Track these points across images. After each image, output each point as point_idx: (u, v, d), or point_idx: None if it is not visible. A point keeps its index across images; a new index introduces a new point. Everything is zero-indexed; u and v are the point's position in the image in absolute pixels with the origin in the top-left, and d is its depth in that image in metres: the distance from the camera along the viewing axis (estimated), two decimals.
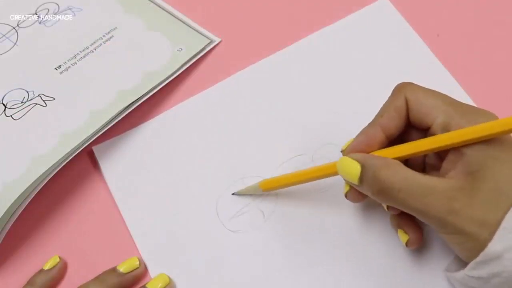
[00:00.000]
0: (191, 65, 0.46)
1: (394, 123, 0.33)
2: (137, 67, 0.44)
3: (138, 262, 0.38)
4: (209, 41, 0.47)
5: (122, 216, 0.40)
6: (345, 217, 0.38)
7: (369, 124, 0.34)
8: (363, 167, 0.31)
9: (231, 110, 0.43)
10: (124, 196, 0.41)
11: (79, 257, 0.40)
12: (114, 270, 0.38)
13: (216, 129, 0.43)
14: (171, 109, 0.44)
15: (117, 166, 0.42)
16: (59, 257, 0.39)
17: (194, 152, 0.42)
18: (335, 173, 0.34)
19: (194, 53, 0.46)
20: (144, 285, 0.37)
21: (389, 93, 0.34)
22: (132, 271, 0.38)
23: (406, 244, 0.34)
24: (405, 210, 0.31)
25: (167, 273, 0.37)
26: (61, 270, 0.39)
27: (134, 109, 0.43)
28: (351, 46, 0.45)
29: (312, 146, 0.41)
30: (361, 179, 0.31)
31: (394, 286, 0.36)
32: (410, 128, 0.34)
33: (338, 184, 0.39)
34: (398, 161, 0.31)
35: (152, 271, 0.38)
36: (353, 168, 0.32)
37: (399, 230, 0.35)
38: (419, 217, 0.31)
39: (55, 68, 0.44)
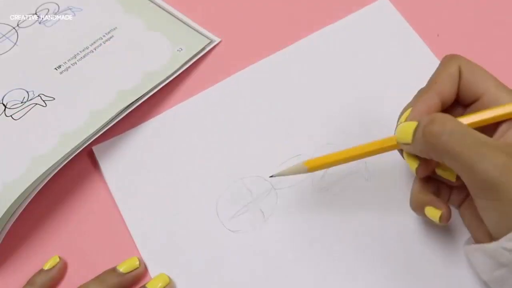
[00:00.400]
0: (191, 65, 0.46)
1: (448, 90, 0.32)
2: (137, 67, 0.44)
3: (138, 262, 0.38)
4: (209, 41, 0.47)
5: (122, 216, 0.40)
6: (345, 217, 0.38)
7: (424, 91, 0.33)
8: (419, 121, 0.30)
9: (231, 110, 0.43)
10: (124, 196, 0.41)
11: (79, 257, 0.40)
12: (114, 270, 0.38)
13: (216, 129, 0.43)
14: (171, 109, 0.44)
15: (117, 166, 0.42)
16: (59, 257, 0.39)
17: (194, 152, 0.42)
18: (389, 148, 0.33)
19: (194, 53, 0.46)
20: (144, 285, 0.37)
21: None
22: (132, 271, 0.38)
23: (440, 219, 0.32)
24: (450, 163, 0.29)
25: (167, 273, 0.37)
26: (61, 270, 0.39)
27: (134, 109, 0.43)
28: (351, 46, 0.45)
29: (312, 146, 0.41)
30: (415, 132, 0.30)
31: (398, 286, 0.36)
32: (457, 105, 0.34)
33: (338, 184, 0.39)
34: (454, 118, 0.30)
35: (152, 271, 0.38)
36: (409, 126, 0.31)
37: (426, 208, 0.33)
38: (463, 172, 0.28)
39: (55, 68, 0.44)
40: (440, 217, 0.32)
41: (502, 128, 0.31)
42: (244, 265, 0.38)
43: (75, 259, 0.40)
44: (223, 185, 0.40)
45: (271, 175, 0.36)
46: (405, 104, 0.34)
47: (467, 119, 0.32)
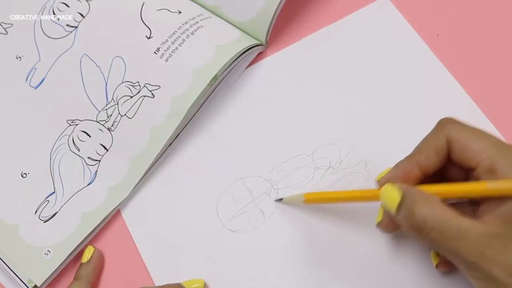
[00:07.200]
0: None
1: (432, 163, 0.32)
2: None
3: (203, 285, 0.37)
4: None
5: (122, 216, 0.40)
6: (345, 217, 0.38)
7: (406, 159, 0.33)
8: (403, 197, 0.30)
9: (231, 110, 0.43)
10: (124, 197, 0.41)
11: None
12: (179, 285, 0.37)
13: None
14: None
15: None
16: (93, 247, 0.39)
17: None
18: (377, 199, 0.33)
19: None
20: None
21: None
22: None
23: (436, 266, 0.34)
24: (436, 249, 0.30)
25: (167, 273, 0.37)
26: (100, 258, 0.39)
27: None
28: (351, 46, 0.45)
29: (312, 146, 0.41)
30: (399, 209, 0.31)
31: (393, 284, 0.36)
32: (451, 164, 0.33)
33: (338, 184, 0.39)
34: (437, 198, 0.30)
35: (152, 271, 0.38)
36: (394, 196, 0.31)
37: (432, 252, 0.35)
38: (448, 257, 0.30)
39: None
40: (437, 265, 0.34)
41: (488, 201, 0.31)
42: (244, 265, 0.38)
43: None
44: (223, 185, 0.40)
45: (276, 199, 0.39)
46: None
47: (452, 188, 0.31)
